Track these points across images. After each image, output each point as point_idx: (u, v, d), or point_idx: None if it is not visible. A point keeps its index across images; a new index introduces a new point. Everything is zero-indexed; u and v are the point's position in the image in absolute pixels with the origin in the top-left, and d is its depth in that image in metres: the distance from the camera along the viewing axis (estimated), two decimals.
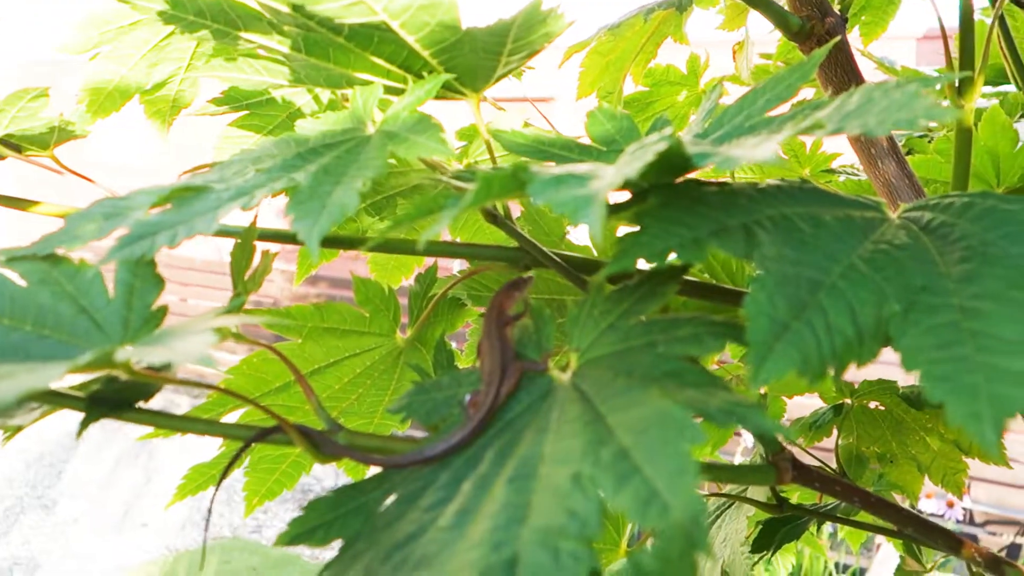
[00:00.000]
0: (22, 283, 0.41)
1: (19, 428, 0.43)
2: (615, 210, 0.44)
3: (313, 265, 0.73)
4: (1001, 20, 0.81)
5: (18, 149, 0.63)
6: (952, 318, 0.35)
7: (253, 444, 0.44)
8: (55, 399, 0.41)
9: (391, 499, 0.40)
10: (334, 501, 0.42)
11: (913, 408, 0.92)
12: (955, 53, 0.60)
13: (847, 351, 0.35)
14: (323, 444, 0.44)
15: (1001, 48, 0.84)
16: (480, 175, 0.34)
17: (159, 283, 0.42)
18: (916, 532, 0.53)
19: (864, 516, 0.82)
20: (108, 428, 5.99)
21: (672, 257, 0.38)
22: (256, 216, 0.55)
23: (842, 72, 0.67)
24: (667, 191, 0.40)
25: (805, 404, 1.06)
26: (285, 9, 0.46)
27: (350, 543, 0.39)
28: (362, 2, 0.44)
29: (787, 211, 0.40)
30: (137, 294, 0.41)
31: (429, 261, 0.72)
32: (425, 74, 0.52)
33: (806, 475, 0.52)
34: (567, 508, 0.29)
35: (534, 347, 0.44)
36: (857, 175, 0.96)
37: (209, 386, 0.54)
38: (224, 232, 0.55)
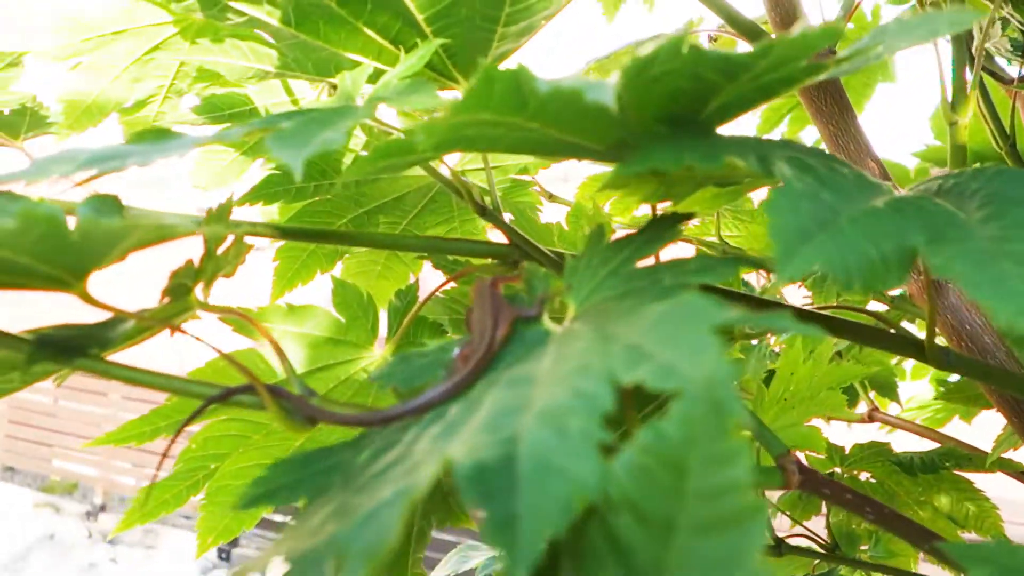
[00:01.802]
0: None
1: None
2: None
3: (290, 285, 0.69)
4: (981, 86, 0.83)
5: None
6: (984, 245, 0.33)
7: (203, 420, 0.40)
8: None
9: (366, 450, 0.36)
10: (302, 461, 0.37)
11: (907, 476, 0.88)
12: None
13: (871, 272, 0.32)
14: (297, 407, 0.40)
15: (980, 110, 0.85)
16: (484, 73, 0.32)
17: (116, 219, 0.39)
18: (936, 553, 0.49)
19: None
20: (61, 546, 5.72)
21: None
22: (232, 194, 0.52)
23: (832, 102, 0.67)
24: (677, 125, 0.38)
25: None
26: None
27: (316, 495, 0.35)
28: None
29: (800, 156, 0.38)
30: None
31: (419, 277, 0.69)
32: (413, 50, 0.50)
33: (813, 480, 0.48)
34: (573, 389, 0.26)
35: (527, 301, 0.41)
36: None
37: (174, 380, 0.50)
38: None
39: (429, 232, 0.69)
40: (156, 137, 0.40)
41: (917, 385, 1.27)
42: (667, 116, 0.38)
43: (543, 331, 0.38)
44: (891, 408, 1.15)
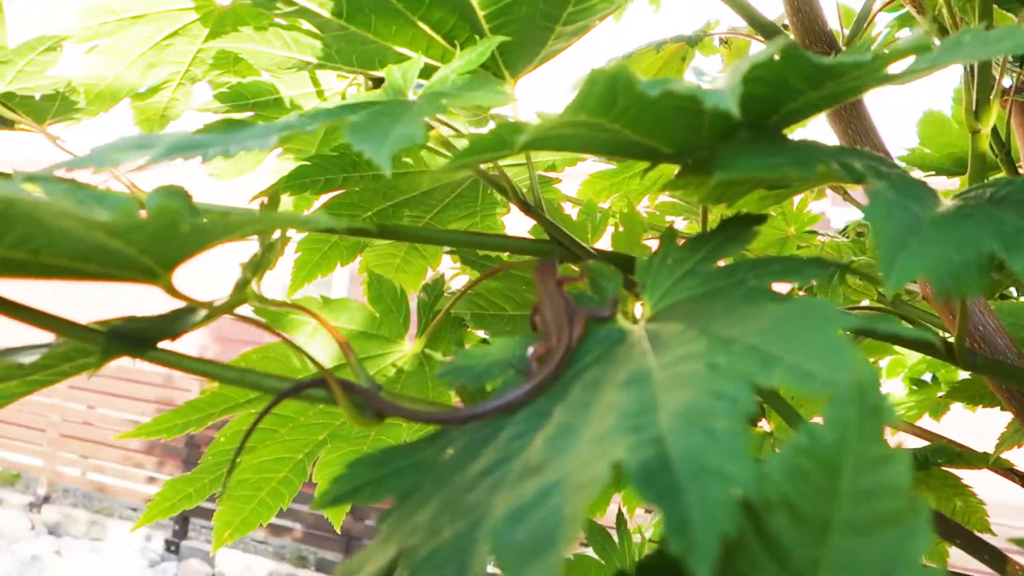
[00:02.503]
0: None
1: (20, 369, 0.38)
2: (678, 173, 0.43)
3: (310, 277, 0.68)
4: None
5: (9, 124, 0.58)
6: None
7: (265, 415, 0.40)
8: (73, 331, 0.36)
9: (451, 450, 0.36)
10: (380, 459, 0.37)
11: None
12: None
13: (958, 278, 0.33)
14: (370, 400, 0.40)
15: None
16: (593, 71, 0.32)
17: (196, 211, 0.38)
18: (964, 544, 0.50)
19: None
20: (2, 538, 5.57)
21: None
22: (278, 188, 0.52)
23: (850, 106, 0.68)
24: (754, 130, 0.38)
25: None
26: None
27: (408, 493, 0.34)
28: None
29: (873, 163, 0.39)
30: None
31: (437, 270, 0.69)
32: (467, 47, 0.50)
33: None
34: (712, 391, 0.26)
35: (597, 301, 0.41)
36: (837, 237, 0.97)
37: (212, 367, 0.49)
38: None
39: (452, 225, 0.69)
40: (229, 127, 0.39)
41: (889, 384, 1.30)
42: (740, 121, 0.39)
43: (618, 329, 0.38)
44: None
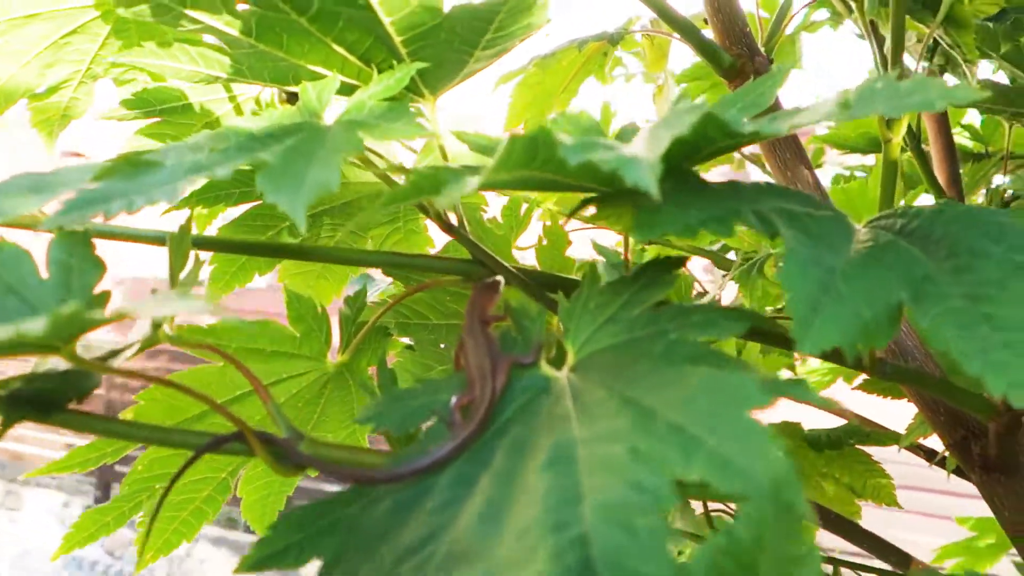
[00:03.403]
0: None
1: None
2: (600, 200, 0.42)
3: (227, 289, 0.66)
4: None
5: None
6: (961, 304, 0.35)
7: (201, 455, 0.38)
8: None
9: (377, 509, 0.35)
10: (301, 518, 0.36)
11: (813, 451, 0.94)
12: None
13: (868, 335, 0.34)
14: (287, 453, 0.39)
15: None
16: (510, 138, 0.31)
17: (100, 265, 0.37)
18: (872, 548, 0.52)
19: None
20: None
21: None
22: (190, 217, 0.50)
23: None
24: (674, 177, 0.38)
25: None
26: None
27: (335, 560, 0.34)
28: None
29: (784, 205, 0.40)
30: (76, 275, 0.35)
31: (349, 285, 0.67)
32: (384, 69, 0.49)
33: None
34: (632, 482, 0.26)
35: (520, 345, 0.41)
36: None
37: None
38: (141, 237, 0.50)
39: (374, 232, 0.67)
40: (131, 171, 0.37)
41: None
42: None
43: (542, 377, 0.38)
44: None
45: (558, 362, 0.39)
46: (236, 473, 0.62)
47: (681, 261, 0.40)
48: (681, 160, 0.39)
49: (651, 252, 0.98)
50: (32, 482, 5.98)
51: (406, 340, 0.68)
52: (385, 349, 0.65)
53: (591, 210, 0.43)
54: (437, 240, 0.72)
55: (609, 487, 0.26)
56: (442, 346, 0.67)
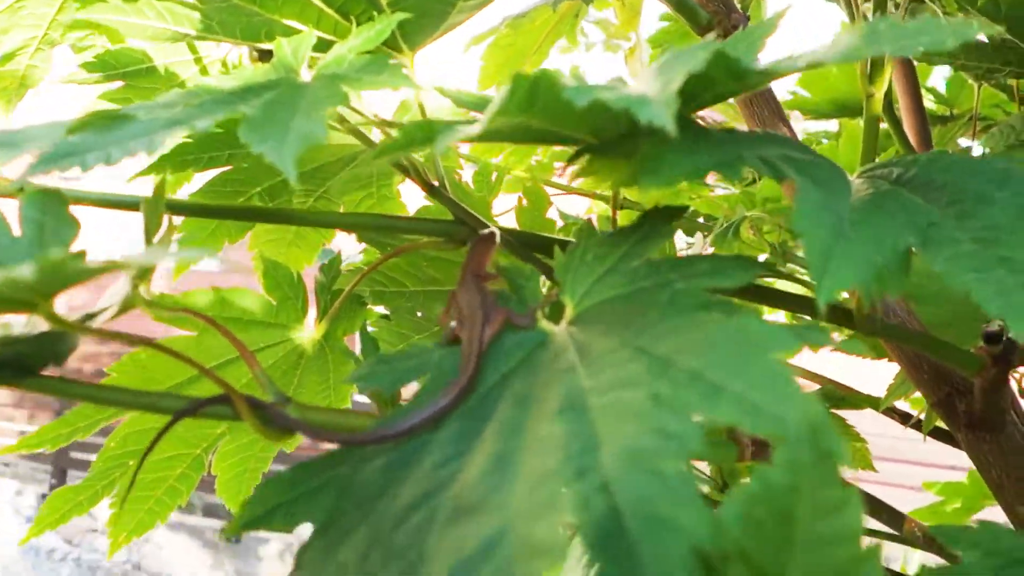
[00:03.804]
0: None
1: None
2: (593, 152, 0.41)
3: (195, 259, 0.64)
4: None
5: None
6: (972, 248, 0.35)
7: (180, 420, 0.37)
8: None
9: (371, 468, 0.34)
10: (291, 479, 0.35)
11: None
12: None
13: (881, 280, 0.33)
14: (274, 417, 0.37)
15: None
16: (513, 78, 0.30)
17: (74, 224, 0.35)
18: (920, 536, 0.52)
19: None
20: None
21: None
22: (163, 177, 0.48)
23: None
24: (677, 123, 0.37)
25: None
26: None
27: (329, 521, 0.33)
28: None
29: (787, 152, 0.39)
30: (49, 232, 0.33)
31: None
32: (363, 21, 0.47)
33: (765, 451, 0.50)
34: (655, 428, 0.25)
35: (515, 303, 0.40)
36: (728, 188, 0.98)
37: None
38: (113, 203, 0.47)
39: (347, 198, 0.65)
40: (106, 124, 0.35)
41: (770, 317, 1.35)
42: None
43: (540, 331, 0.37)
44: None
45: (554, 316, 0.38)
46: (210, 450, 0.61)
47: (682, 210, 0.39)
48: (682, 105, 0.38)
49: (623, 218, 0.97)
50: None
51: (380, 309, 0.66)
52: (363, 318, 0.64)
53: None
54: (410, 207, 0.70)
55: (630, 433, 0.25)
56: (419, 314, 0.66)
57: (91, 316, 0.35)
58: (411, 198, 0.72)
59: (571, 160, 0.39)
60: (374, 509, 0.31)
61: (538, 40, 0.80)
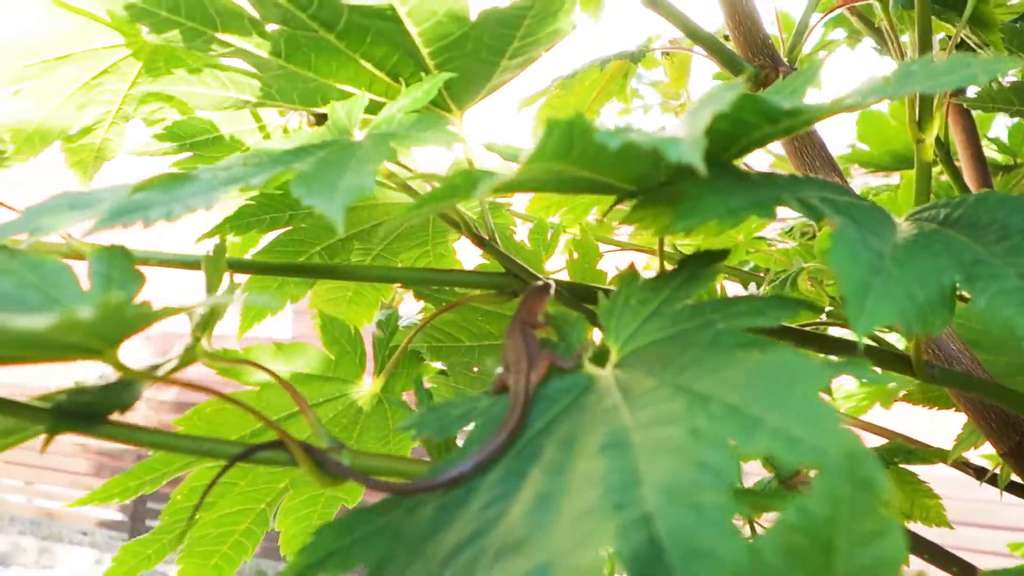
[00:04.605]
0: None
1: None
2: (635, 199, 0.42)
3: (259, 317, 0.67)
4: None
5: None
6: (1018, 283, 0.34)
7: (238, 463, 0.38)
8: (16, 411, 0.34)
9: (423, 512, 0.34)
10: (347, 525, 0.36)
11: None
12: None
13: (923, 317, 0.33)
14: (327, 463, 0.38)
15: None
16: (547, 125, 0.31)
17: (139, 277, 0.37)
18: (932, 557, 0.51)
19: None
20: None
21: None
22: (224, 236, 0.50)
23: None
24: (713, 167, 0.38)
25: None
26: None
27: (381, 565, 0.33)
28: None
29: (826, 195, 0.39)
30: (116, 285, 0.35)
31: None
32: (412, 83, 0.49)
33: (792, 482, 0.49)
34: (695, 461, 0.25)
35: (561, 348, 0.40)
36: (784, 242, 0.98)
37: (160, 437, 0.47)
38: (175, 261, 0.50)
39: (404, 256, 0.67)
40: (170, 183, 0.37)
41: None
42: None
43: (585, 376, 0.38)
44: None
45: (600, 360, 0.39)
46: (274, 504, 0.62)
47: (723, 254, 0.39)
48: (719, 151, 0.39)
49: None
50: (65, 539, 5.98)
51: (438, 365, 0.67)
52: (419, 373, 0.65)
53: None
54: (466, 264, 0.72)
55: (669, 467, 0.26)
56: (475, 369, 0.67)
57: (155, 367, 0.37)
58: (466, 257, 0.73)
59: (609, 210, 0.39)
60: (424, 551, 0.32)
61: (588, 99, 0.81)
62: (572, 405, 0.36)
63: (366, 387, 0.59)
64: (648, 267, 1.05)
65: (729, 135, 0.37)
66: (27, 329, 0.26)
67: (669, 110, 1.30)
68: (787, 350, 0.29)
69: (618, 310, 0.39)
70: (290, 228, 0.61)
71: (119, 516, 5.80)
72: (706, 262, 0.39)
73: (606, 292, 0.41)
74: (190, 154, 0.63)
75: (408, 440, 0.66)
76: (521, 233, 0.73)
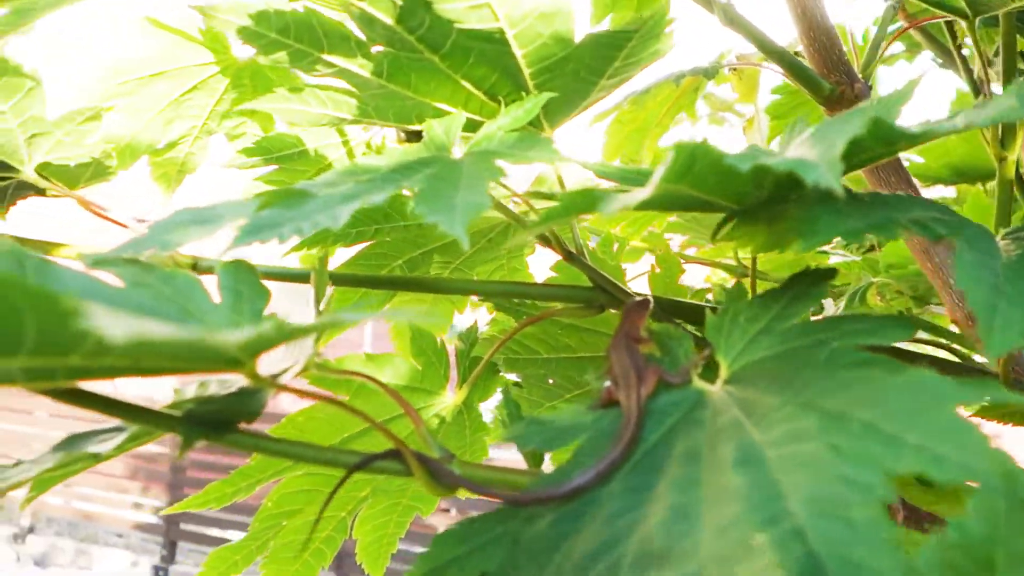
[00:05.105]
0: (118, 284, 0.36)
1: (94, 459, 0.37)
2: (736, 217, 0.43)
3: (340, 328, 0.68)
4: None
5: (41, 191, 0.57)
6: None
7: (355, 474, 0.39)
8: (151, 419, 0.35)
9: (541, 522, 0.35)
10: (462, 534, 0.37)
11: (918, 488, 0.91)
12: None
13: None
14: (440, 473, 0.39)
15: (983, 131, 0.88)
16: (677, 145, 0.32)
17: (266, 292, 0.38)
18: None
19: None
20: None
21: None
22: (326, 250, 0.51)
23: None
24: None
25: None
26: (387, 20, 0.44)
27: (502, 570, 0.34)
28: (487, 5, 0.42)
29: (934, 214, 0.40)
30: (246, 300, 0.37)
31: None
32: (509, 102, 0.50)
33: (916, 516, 0.49)
34: (839, 477, 0.26)
35: (667, 364, 0.41)
36: (847, 256, 0.98)
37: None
38: (285, 275, 0.51)
39: (479, 269, 0.68)
40: (290, 201, 0.38)
41: None
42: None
43: (695, 391, 0.38)
44: None
45: (708, 376, 0.39)
46: (353, 513, 0.63)
47: (831, 273, 0.40)
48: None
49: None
50: (100, 541, 6.06)
51: (512, 376, 0.68)
52: (496, 385, 0.66)
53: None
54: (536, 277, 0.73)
55: (813, 482, 0.26)
56: (550, 381, 0.68)
57: (278, 375, 0.38)
58: (537, 269, 0.74)
59: (717, 231, 0.40)
60: (551, 560, 0.32)
61: (659, 115, 0.82)
62: (685, 420, 0.37)
63: (449, 398, 0.60)
64: (708, 279, 1.06)
65: (846, 155, 0.37)
66: (186, 341, 0.28)
67: (717, 122, 1.30)
68: (923, 369, 0.29)
69: (727, 326, 0.40)
70: (374, 242, 0.63)
71: (153, 519, 5.88)
72: (814, 280, 0.40)
73: (713, 309, 0.42)
74: (276, 167, 0.65)
75: (483, 451, 0.67)
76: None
